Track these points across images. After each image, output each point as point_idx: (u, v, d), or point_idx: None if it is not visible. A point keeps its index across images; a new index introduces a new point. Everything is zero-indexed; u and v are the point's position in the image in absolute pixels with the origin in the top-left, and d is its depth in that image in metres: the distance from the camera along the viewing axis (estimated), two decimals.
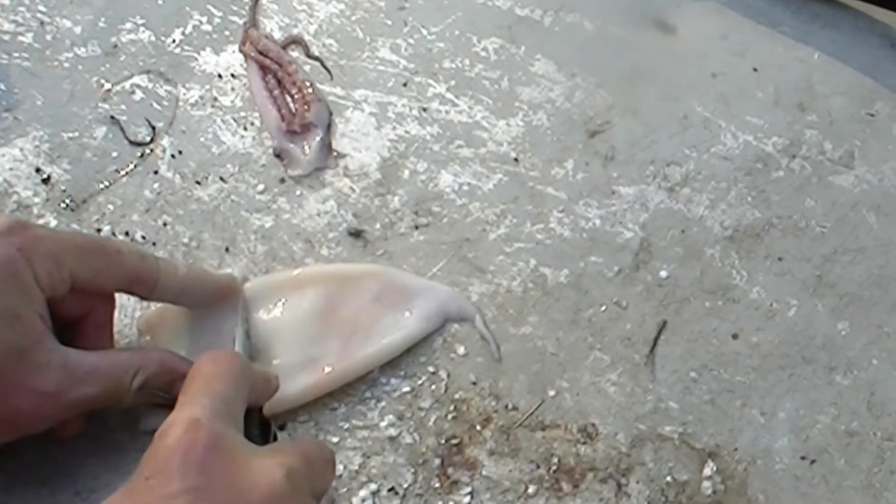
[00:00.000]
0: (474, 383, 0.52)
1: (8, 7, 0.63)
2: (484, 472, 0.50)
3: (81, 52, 0.62)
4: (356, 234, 0.56)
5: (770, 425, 0.52)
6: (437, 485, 0.49)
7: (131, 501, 0.36)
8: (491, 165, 0.59)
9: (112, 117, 0.59)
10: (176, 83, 0.61)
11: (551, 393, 0.52)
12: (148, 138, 0.59)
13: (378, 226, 0.57)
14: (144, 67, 0.62)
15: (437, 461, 0.50)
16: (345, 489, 0.49)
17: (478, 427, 0.51)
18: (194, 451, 0.36)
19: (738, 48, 0.65)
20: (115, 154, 0.58)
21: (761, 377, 0.53)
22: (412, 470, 0.49)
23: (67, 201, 0.56)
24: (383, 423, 0.50)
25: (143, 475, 0.36)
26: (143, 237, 0.55)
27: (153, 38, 0.63)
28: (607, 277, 0.56)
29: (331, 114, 0.61)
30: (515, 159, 0.60)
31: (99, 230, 0.55)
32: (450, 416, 0.51)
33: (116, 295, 0.48)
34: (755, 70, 0.64)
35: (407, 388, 0.52)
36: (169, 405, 0.44)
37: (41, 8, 0.63)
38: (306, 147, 0.59)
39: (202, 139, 0.59)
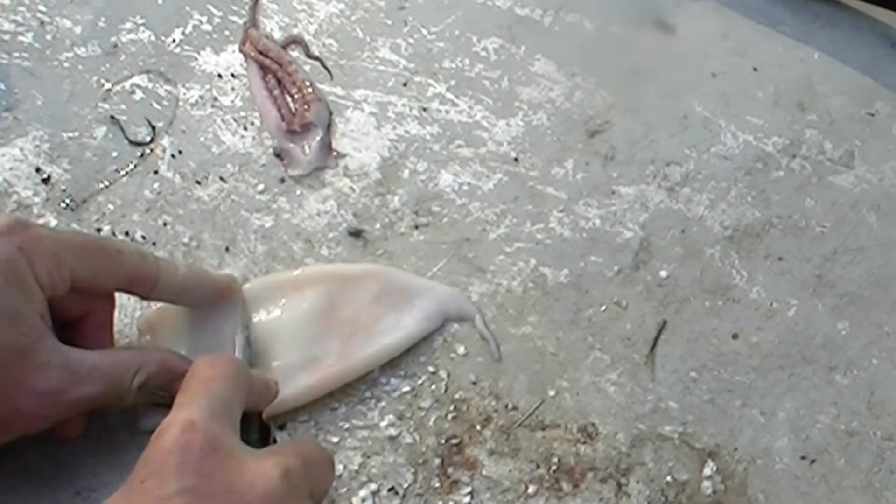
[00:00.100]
0: (474, 383, 0.52)
1: (8, 7, 0.63)
2: (484, 472, 0.50)
3: (81, 52, 0.62)
4: (356, 233, 0.56)
5: (770, 425, 0.52)
6: (437, 485, 0.49)
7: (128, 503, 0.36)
8: (491, 165, 0.59)
9: (112, 117, 0.59)
10: (176, 83, 0.61)
11: (551, 393, 0.52)
12: (148, 138, 0.59)
13: (378, 226, 0.57)
14: (144, 67, 0.62)
15: (437, 461, 0.50)
16: (345, 489, 0.49)
17: (478, 427, 0.51)
18: (190, 453, 0.36)
19: (738, 48, 0.65)
20: (115, 154, 0.58)
21: (761, 377, 0.53)
22: (412, 470, 0.49)
23: (67, 201, 0.56)
24: (383, 423, 0.50)
25: (139, 477, 0.36)
26: (143, 237, 0.55)
27: (153, 38, 0.63)
28: (607, 277, 0.56)
29: (331, 114, 0.61)
30: (515, 159, 0.60)
31: (99, 230, 0.55)
32: (450, 416, 0.51)
33: (116, 295, 0.48)
34: (755, 70, 0.65)
35: (407, 388, 0.52)
36: (169, 404, 0.44)
37: (41, 8, 0.63)
38: (306, 147, 0.59)
39: (202, 139, 0.59)
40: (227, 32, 0.63)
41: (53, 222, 0.55)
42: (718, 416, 0.52)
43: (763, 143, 0.61)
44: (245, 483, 0.37)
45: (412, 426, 0.51)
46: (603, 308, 0.55)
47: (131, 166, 0.58)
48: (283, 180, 0.58)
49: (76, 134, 0.59)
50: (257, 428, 0.48)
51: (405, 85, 0.62)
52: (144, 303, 0.52)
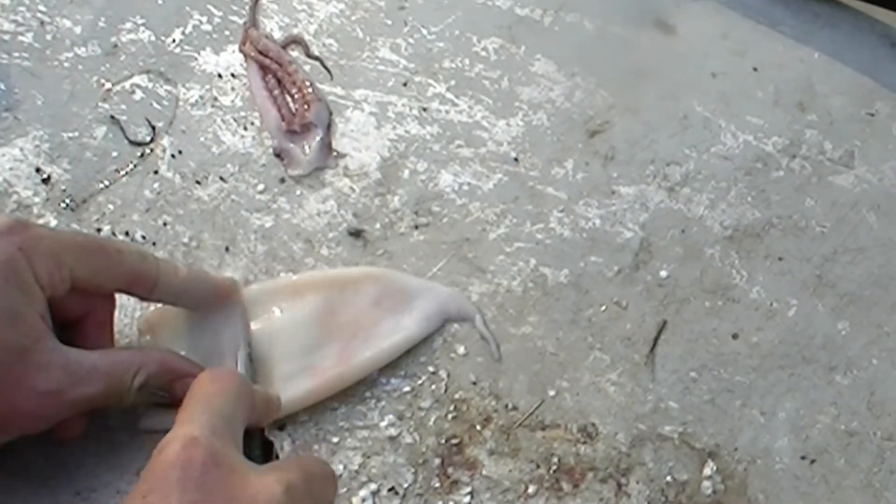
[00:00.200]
0: (474, 383, 0.52)
1: (8, 7, 0.63)
2: (484, 472, 0.50)
3: (81, 51, 0.62)
4: (356, 233, 0.56)
5: (770, 425, 0.52)
6: (437, 485, 0.49)
7: None
8: (491, 165, 0.59)
9: (112, 117, 0.59)
10: (176, 83, 0.61)
11: (551, 393, 0.52)
12: (148, 138, 0.59)
13: (378, 226, 0.57)
14: (144, 67, 0.62)
15: (437, 461, 0.50)
16: (345, 489, 0.49)
17: (478, 427, 0.51)
18: (192, 468, 0.36)
19: (738, 48, 0.65)
20: (115, 154, 0.58)
21: (761, 377, 0.53)
22: (412, 470, 0.49)
23: (67, 201, 0.56)
24: (383, 423, 0.50)
25: (140, 492, 0.36)
26: (143, 237, 0.55)
27: (153, 38, 0.63)
28: (607, 277, 0.56)
29: (331, 114, 0.61)
30: (515, 159, 0.60)
31: (99, 230, 0.55)
32: (450, 416, 0.51)
33: (116, 295, 0.48)
34: (755, 70, 0.65)
35: (407, 388, 0.52)
36: (169, 404, 0.44)
37: (41, 8, 0.63)
38: (306, 147, 0.59)
39: (202, 139, 0.59)
40: (227, 32, 0.63)
41: (53, 222, 0.55)
42: (718, 416, 0.52)
43: (763, 143, 0.61)
44: (247, 498, 0.36)
45: (412, 426, 0.51)
46: (603, 308, 0.55)
47: (131, 166, 0.58)
48: (283, 180, 0.58)
49: (76, 134, 0.59)
50: (259, 443, 0.48)
51: (405, 85, 0.62)
52: (144, 303, 0.51)
